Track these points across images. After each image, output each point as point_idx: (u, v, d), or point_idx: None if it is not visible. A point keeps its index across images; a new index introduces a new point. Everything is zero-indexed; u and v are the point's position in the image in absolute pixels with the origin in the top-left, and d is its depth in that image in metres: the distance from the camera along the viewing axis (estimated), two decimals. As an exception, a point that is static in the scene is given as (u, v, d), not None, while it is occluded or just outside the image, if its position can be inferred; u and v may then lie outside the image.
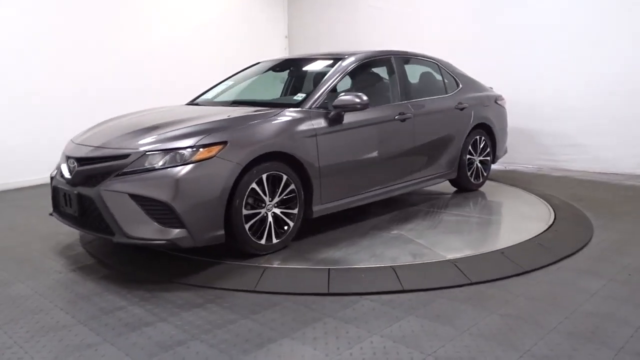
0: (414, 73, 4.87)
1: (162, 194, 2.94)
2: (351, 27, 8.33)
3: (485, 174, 5.36)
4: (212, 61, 7.80)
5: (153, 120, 3.63)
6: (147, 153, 3.07)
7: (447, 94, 4.95)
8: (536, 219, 4.21)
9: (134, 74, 6.94)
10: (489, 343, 2.28)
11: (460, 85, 5.10)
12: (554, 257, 3.32)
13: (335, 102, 3.73)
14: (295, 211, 3.54)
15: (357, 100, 3.70)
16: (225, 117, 3.47)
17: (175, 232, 2.98)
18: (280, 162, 3.43)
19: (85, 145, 3.40)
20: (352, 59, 4.25)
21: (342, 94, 3.79)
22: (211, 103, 4.48)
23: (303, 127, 3.57)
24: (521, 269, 3.13)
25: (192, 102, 4.64)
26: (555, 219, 4.18)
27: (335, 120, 3.77)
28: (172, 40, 7.43)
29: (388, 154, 4.21)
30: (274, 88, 4.92)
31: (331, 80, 4.00)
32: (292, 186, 3.49)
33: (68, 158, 3.42)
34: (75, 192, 3.22)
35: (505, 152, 5.75)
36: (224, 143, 3.13)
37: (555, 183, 5.74)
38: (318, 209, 3.71)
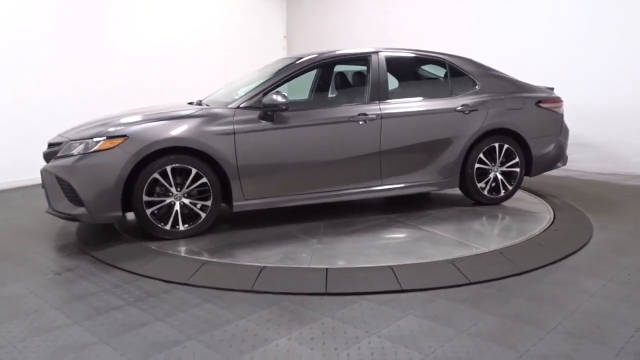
0: (407, 72, 4.74)
1: (68, 176, 3.50)
2: (350, 27, 8.32)
3: (509, 188, 4.62)
4: (211, 61, 7.83)
5: (115, 116, 4.01)
6: (71, 141, 3.63)
7: (451, 94, 4.45)
8: (536, 218, 4.20)
9: (133, 75, 6.93)
10: (487, 343, 2.26)
11: (478, 86, 4.54)
12: (553, 257, 3.31)
13: (263, 101, 3.79)
14: (209, 203, 3.74)
15: (280, 100, 3.75)
16: (143, 114, 3.82)
17: (78, 209, 3.51)
18: (190, 157, 3.65)
19: (58, 135, 4.01)
20: (306, 59, 4.16)
21: (270, 93, 3.80)
22: (200, 101, 4.50)
23: (218, 125, 3.72)
24: (520, 269, 3.12)
25: (198, 102, 4.63)
26: (554, 218, 4.17)
27: (264, 119, 3.81)
28: (170, 40, 7.42)
29: (337, 156, 4.01)
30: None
31: (271, 81, 3.96)
32: (204, 179, 3.69)
33: None
34: (41, 170, 3.81)
35: (564, 162, 4.96)
36: (125, 137, 3.54)
37: (555, 183, 5.72)
38: (239, 204, 3.83)
